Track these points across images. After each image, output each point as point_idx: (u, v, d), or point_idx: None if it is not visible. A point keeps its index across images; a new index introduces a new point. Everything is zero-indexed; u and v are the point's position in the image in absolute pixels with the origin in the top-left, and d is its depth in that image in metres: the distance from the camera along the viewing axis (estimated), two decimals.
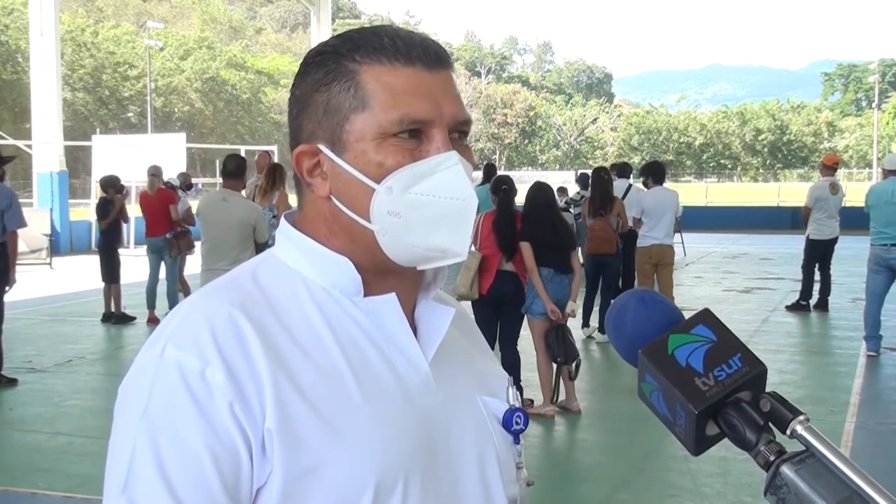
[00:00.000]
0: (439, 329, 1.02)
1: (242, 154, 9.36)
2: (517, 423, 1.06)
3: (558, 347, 6.18)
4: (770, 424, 0.84)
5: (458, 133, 0.99)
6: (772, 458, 0.82)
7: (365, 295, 0.99)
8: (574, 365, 6.29)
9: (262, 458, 0.88)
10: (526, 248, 6.16)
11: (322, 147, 0.98)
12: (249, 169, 8.19)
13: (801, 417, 0.82)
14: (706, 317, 0.88)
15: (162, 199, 10.26)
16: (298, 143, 1.01)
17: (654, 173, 9.39)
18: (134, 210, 15.94)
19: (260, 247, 6.85)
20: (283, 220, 1.06)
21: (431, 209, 0.95)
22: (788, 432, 0.82)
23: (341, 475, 0.90)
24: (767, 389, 0.86)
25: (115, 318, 10.34)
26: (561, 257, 6.25)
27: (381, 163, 0.95)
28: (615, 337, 0.93)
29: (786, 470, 0.80)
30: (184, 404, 0.88)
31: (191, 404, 0.87)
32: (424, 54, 0.97)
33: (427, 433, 0.98)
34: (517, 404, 1.08)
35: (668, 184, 9.63)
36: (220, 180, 7.18)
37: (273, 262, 1.02)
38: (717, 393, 0.83)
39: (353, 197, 0.97)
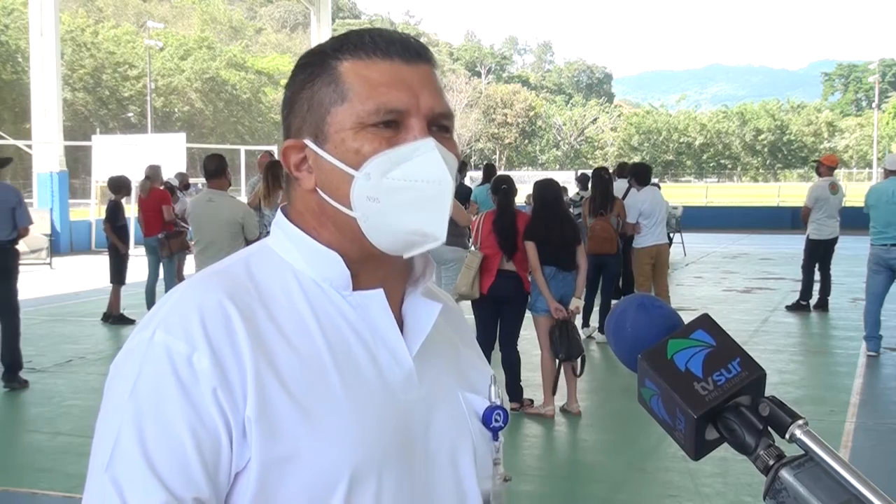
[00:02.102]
0: (425, 324, 1.04)
1: (242, 154, 9.41)
2: (496, 421, 1.08)
3: (561, 344, 6.17)
4: (769, 429, 0.84)
5: (437, 126, 1.01)
6: (771, 463, 0.82)
7: (354, 289, 1.02)
8: (579, 361, 6.29)
9: (243, 444, 0.91)
10: (530, 247, 6.17)
11: (307, 141, 1.01)
12: (251, 169, 8.22)
13: (801, 422, 0.82)
14: (705, 322, 0.89)
15: (156, 200, 10.28)
16: (288, 138, 1.05)
17: (638, 176, 9.38)
18: (134, 210, 15.93)
19: (251, 244, 6.87)
20: (278, 212, 1.09)
21: (409, 194, 0.97)
22: (787, 436, 0.82)
23: (317, 465, 0.92)
24: (767, 390, 0.87)
25: (113, 318, 10.34)
26: (565, 255, 6.25)
27: (358, 150, 0.98)
28: (615, 342, 0.93)
29: (785, 474, 0.81)
30: (170, 387, 0.90)
31: (176, 388, 0.90)
32: (403, 50, 1.00)
33: (405, 427, 0.99)
34: (498, 402, 1.10)
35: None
36: None
37: (266, 252, 1.06)
38: (717, 398, 0.84)
39: (335, 186, 1.00)
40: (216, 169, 6.94)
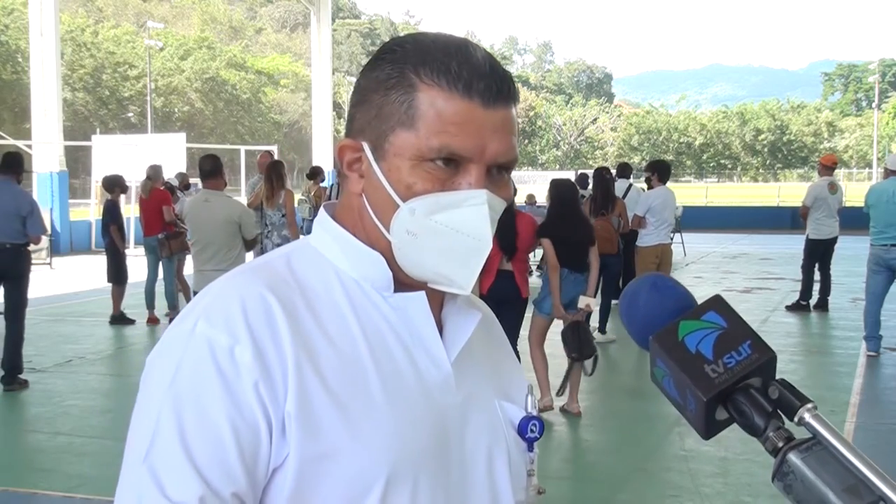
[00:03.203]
0: (464, 331, 1.04)
1: (242, 154, 9.45)
2: (532, 431, 1.07)
3: (573, 343, 6.15)
4: (779, 411, 0.85)
5: (498, 167, 0.99)
6: (780, 445, 0.83)
7: (395, 291, 1.01)
8: (592, 361, 6.27)
9: (282, 439, 0.91)
10: (547, 244, 6.15)
11: (365, 146, 1.00)
12: (251, 169, 8.23)
13: (810, 405, 0.83)
14: (717, 303, 0.89)
15: (156, 200, 10.29)
16: (349, 132, 1.03)
17: (660, 171, 9.41)
18: (134, 210, 15.94)
19: (248, 244, 6.90)
20: (321, 210, 1.08)
21: (447, 240, 0.96)
22: (796, 419, 0.83)
23: (355, 464, 0.92)
24: None
25: (114, 318, 10.33)
26: (578, 255, 6.24)
27: (410, 185, 0.96)
28: (628, 322, 0.94)
29: (793, 457, 0.81)
30: (211, 379, 0.90)
31: (217, 380, 0.90)
32: (486, 89, 0.96)
33: (442, 431, 0.99)
34: (534, 412, 1.09)
35: (668, 184, 9.65)
36: None
37: (308, 250, 1.05)
38: (727, 380, 0.84)
39: (379, 204, 0.99)
40: (212, 169, 6.95)
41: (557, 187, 6.52)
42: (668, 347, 0.87)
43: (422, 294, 1.00)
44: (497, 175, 0.99)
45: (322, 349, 0.94)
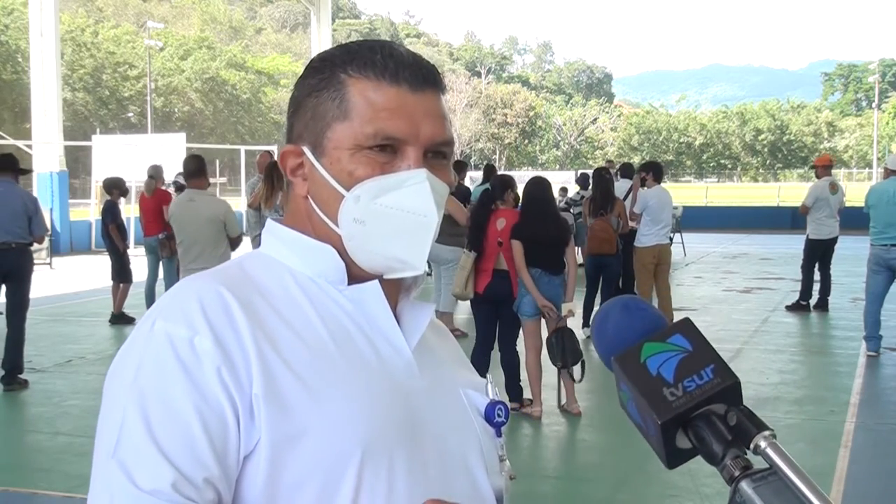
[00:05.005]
0: (421, 321, 1.06)
1: (242, 154, 9.46)
2: (499, 416, 1.09)
3: (558, 351, 6.08)
4: (739, 440, 0.81)
5: (435, 153, 1.02)
6: (736, 474, 0.80)
7: (349, 284, 1.03)
8: (579, 367, 6.21)
9: (251, 424, 0.91)
10: (517, 246, 6.04)
11: (305, 149, 1.03)
12: (251, 169, 8.25)
13: (766, 433, 0.80)
14: (684, 326, 0.86)
15: (157, 200, 10.29)
16: (289, 140, 1.06)
17: (655, 171, 9.41)
18: (134, 210, 15.94)
19: (233, 241, 6.93)
20: (268, 221, 1.10)
21: (394, 221, 0.99)
22: (752, 447, 0.80)
23: (327, 444, 0.92)
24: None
25: (114, 317, 10.33)
26: (552, 256, 6.10)
27: (352, 172, 0.99)
28: (598, 343, 0.91)
29: (745, 486, 0.79)
30: (173, 370, 0.91)
31: (179, 370, 0.90)
32: (412, 76, 1.00)
33: (413, 413, 1.00)
34: (498, 398, 1.11)
35: (667, 184, 9.65)
36: (219, 180, 7.24)
37: (260, 256, 1.07)
38: (685, 404, 0.81)
39: (325, 200, 1.02)
40: (196, 169, 7.03)
41: (528, 186, 6.41)
42: (630, 369, 0.84)
43: (376, 283, 1.02)
44: (434, 161, 1.02)
45: (283, 337, 0.95)
